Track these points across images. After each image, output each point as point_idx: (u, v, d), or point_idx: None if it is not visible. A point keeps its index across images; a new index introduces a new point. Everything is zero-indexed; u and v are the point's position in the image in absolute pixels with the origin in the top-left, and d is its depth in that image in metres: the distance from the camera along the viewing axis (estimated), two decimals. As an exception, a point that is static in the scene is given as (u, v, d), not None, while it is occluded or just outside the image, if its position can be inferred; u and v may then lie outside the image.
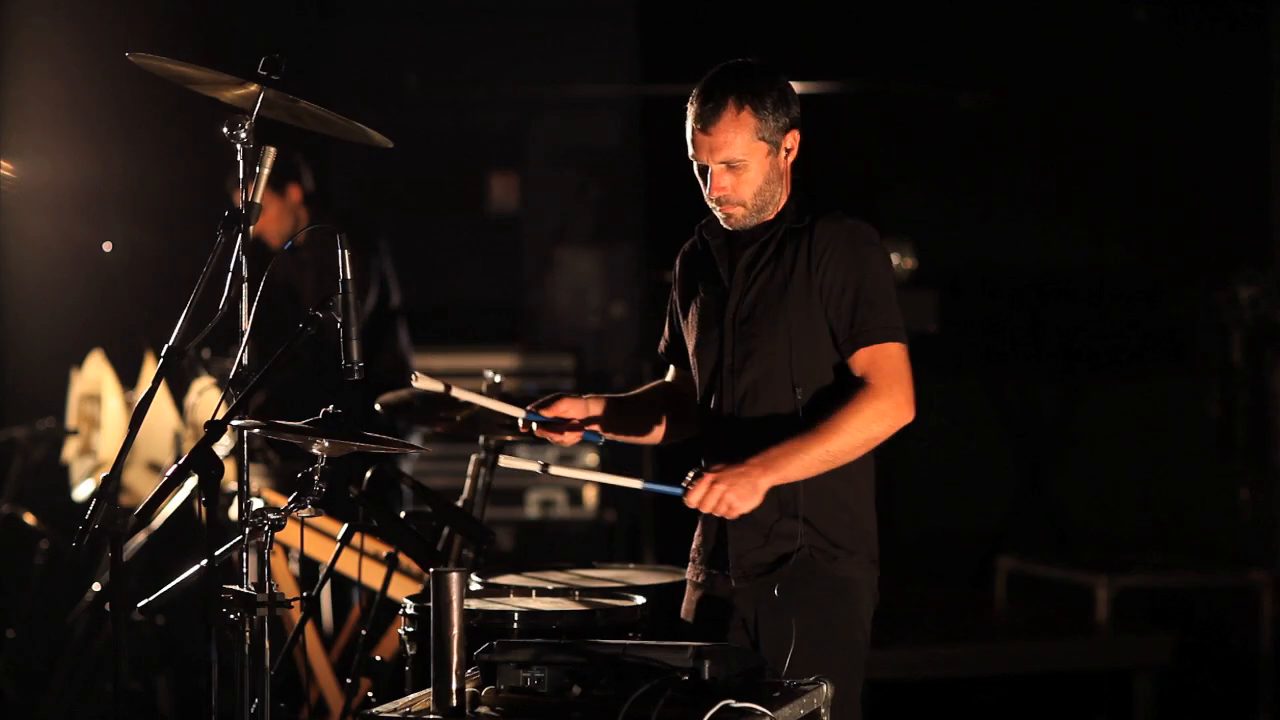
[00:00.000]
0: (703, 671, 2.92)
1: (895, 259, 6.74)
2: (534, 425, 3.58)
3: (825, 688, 3.17)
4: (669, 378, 3.82)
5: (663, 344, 3.80)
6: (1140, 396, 7.69)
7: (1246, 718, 6.86)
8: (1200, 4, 7.49)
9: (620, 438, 3.72)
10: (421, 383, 3.53)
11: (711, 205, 3.53)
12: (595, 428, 3.62)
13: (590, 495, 7.76)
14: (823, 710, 3.16)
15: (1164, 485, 7.45)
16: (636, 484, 3.46)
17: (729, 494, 3.34)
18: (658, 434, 3.77)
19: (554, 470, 3.51)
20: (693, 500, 3.36)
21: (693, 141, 3.48)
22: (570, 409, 3.59)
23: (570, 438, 3.59)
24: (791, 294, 3.48)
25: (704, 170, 3.49)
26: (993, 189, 7.91)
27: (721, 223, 3.55)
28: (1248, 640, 6.88)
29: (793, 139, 3.50)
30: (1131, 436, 7.64)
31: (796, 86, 3.57)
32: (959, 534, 7.82)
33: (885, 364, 3.42)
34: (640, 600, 3.63)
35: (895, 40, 7.82)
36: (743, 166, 3.45)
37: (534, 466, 3.52)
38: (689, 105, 3.48)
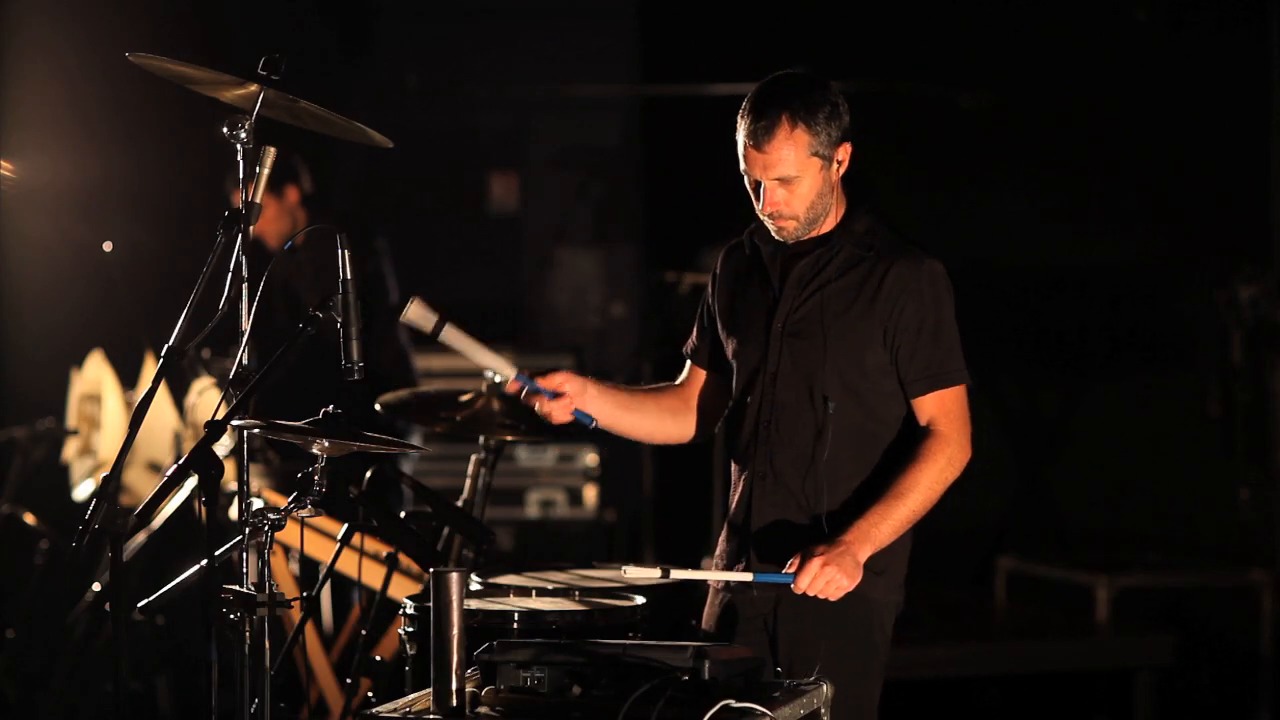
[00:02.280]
0: (703, 671, 2.92)
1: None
2: (524, 389, 3.56)
3: (825, 688, 3.18)
4: (681, 379, 3.80)
5: (690, 344, 3.79)
6: (1140, 396, 7.67)
7: (1246, 718, 6.85)
8: (1200, 4, 7.48)
9: (617, 430, 3.71)
10: (414, 311, 3.52)
11: (764, 219, 3.53)
12: (590, 410, 3.59)
13: (590, 495, 7.76)
14: (823, 710, 3.16)
15: (1164, 485, 7.43)
16: (747, 577, 3.42)
17: (838, 575, 3.34)
18: (656, 435, 3.77)
19: (675, 574, 3.39)
20: (802, 585, 3.34)
21: (745, 157, 3.46)
22: (569, 384, 3.55)
23: (560, 414, 3.56)
24: (850, 318, 3.49)
25: (756, 184, 3.48)
26: (993, 189, 7.90)
27: (773, 234, 3.54)
28: (1248, 640, 6.87)
29: (844, 151, 3.51)
30: (1132, 436, 7.62)
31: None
32: (959, 534, 7.81)
33: (954, 408, 3.49)
34: (640, 600, 3.63)
35: (895, 40, 7.81)
36: (796, 182, 3.45)
37: (655, 574, 3.40)
38: (740, 118, 3.46)
